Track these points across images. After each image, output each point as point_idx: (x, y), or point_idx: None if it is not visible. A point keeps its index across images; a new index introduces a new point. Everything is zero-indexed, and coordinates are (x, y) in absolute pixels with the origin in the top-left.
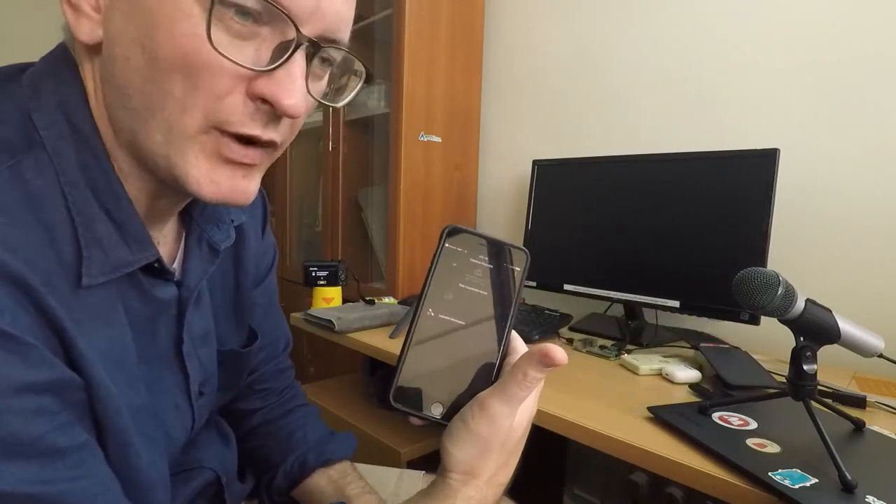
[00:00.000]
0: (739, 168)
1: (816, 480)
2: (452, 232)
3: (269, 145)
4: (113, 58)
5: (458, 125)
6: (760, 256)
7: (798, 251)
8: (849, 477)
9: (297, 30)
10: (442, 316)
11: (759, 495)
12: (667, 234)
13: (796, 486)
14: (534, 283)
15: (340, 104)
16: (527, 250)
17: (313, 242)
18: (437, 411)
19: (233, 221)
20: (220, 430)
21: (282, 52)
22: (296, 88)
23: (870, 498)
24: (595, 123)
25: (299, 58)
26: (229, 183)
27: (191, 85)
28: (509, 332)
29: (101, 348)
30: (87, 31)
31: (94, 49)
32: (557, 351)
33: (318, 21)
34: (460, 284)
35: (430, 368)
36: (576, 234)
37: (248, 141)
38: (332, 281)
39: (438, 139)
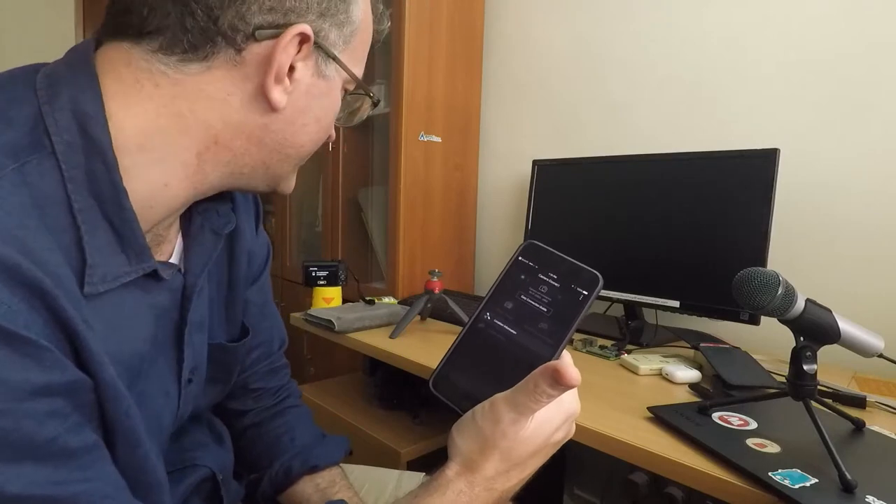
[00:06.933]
0: (739, 168)
1: (816, 480)
2: (529, 247)
3: None
4: (291, 121)
5: (458, 125)
6: (760, 256)
7: (798, 251)
8: (849, 477)
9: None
10: (497, 321)
11: (759, 495)
12: (667, 234)
13: (796, 486)
14: None
15: (352, 125)
16: (599, 275)
17: (313, 242)
18: (467, 406)
19: (230, 207)
20: (213, 429)
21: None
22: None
23: (870, 498)
24: (595, 123)
25: None
26: None
27: (323, 138)
28: (560, 351)
29: (113, 349)
30: (280, 99)
31: (267, 107)
32: (569, 370)
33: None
34: (522, 296)
35: (473, 367)
36: (576, 234)
37: None
38: (332, 281)
39: (438, 139)
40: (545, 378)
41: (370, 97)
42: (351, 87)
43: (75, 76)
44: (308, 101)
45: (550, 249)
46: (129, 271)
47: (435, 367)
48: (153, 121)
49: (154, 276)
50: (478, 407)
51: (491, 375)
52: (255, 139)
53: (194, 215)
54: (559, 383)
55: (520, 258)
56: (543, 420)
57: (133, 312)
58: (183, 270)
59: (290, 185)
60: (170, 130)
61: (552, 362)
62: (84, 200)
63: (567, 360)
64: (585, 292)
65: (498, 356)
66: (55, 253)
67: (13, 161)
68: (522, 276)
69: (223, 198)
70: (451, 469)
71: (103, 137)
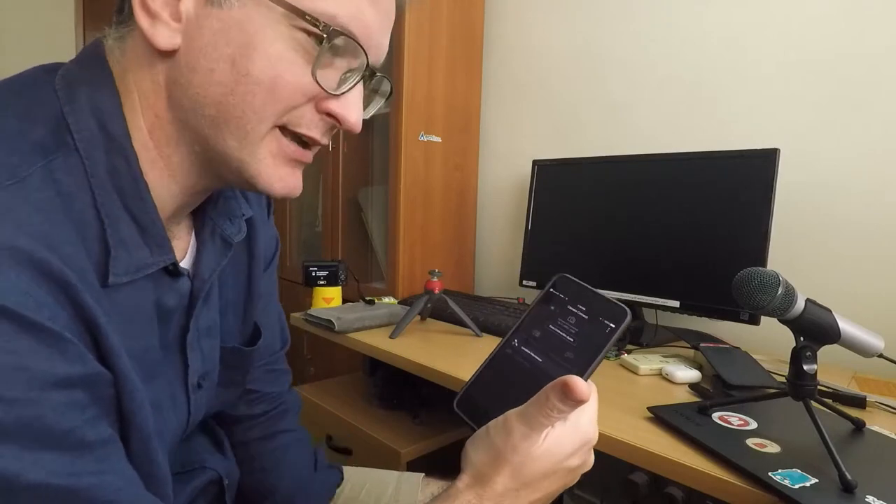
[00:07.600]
0: (739, 168)
1: (816, 480)
2: (561, 280)
3: (314, 148)
4: (192, 67)
5: (458, 125)
6: (760, 256)
7: (798, 251)
8: (849, 477)
9: (368, 64)
10: (524, 349)
11: (759, 495)
12: (667, 234)
13: (796, 486)
14: (534, 284)
15: (367, 116)
16: (628, 309)
17: (313, 242)
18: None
19: (244, 215)
20: (215, 437)
21: (347, 78)
22: (359, 108)
23: (870, 498)
24: (595, 123)
25: (360, 83)
26: (292, 179)
27: (273, 99)
28: (585, 379)
29: (127, 344)
30: (166, 38)
31: (166, 55)
32: (579, 385)
33: (375, 55)
34: (551, 326)
35: (498, 391)
36: (576, 233)
37: (303, 143)
38: (332, 281)
39: (438, 139)
40: (555, 392)
41: (315, 25)
42: (308, 27)
43: (89, 75)
44: (207, 37)
45: (581, 283)
46: (151, 263)
47: (461, 386)
48: (122, 103)
49: (170, 272)
50: (492, 422)
51: (513, 399)
52: (174, 102)
53: (206, 220)
54: (568, 398)
55: (551, 290)
56: (556, 440)
57: (146, 308)
58: (191, 275)
59: (263, 175)
60: (127, 110)
61: (563, 377)
62: (106, 194)
63: (575, 377)
64: (612, 325)
65: (522, 381)
66: (79, 247)
67: (42, 158)
68: (552, 307)
69: (237, 204)
70: (462, 481)
71: (120, 132)
